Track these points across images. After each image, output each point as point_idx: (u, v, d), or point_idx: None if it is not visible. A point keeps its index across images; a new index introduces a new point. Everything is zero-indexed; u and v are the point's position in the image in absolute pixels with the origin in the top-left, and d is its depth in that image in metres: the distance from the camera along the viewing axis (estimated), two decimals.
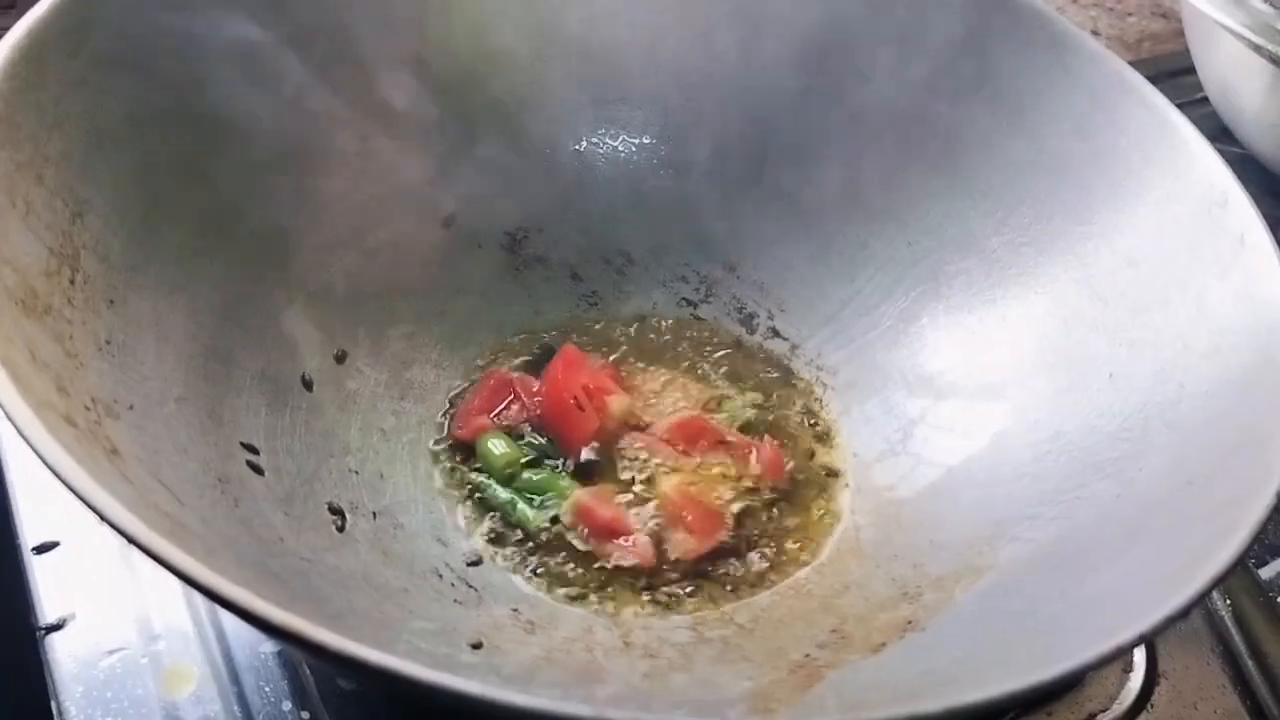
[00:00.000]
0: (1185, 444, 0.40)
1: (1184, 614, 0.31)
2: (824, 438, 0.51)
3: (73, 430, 0.33)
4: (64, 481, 0.29)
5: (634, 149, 0.58)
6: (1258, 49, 0.61)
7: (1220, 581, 0.32)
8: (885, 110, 0.55)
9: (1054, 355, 0.48)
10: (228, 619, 0.45)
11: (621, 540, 0.45)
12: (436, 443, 0.49)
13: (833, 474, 0.50)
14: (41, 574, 0.46)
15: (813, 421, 0.52)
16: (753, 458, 0.49)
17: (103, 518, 0.28)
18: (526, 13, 0.55)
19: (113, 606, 0.45)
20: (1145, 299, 0.46)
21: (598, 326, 0.55)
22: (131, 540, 0.28)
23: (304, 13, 0.49)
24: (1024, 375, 0.49)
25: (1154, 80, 0.49)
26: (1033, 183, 0.51)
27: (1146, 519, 0.38)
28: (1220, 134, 0.74)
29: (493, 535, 0.46)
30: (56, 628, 0.44)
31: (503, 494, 0.46)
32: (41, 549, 0.47)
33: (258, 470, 0.42)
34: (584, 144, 0.58)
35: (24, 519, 0.47)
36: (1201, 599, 0.32)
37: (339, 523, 0.43)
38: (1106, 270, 0.48)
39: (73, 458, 0.29)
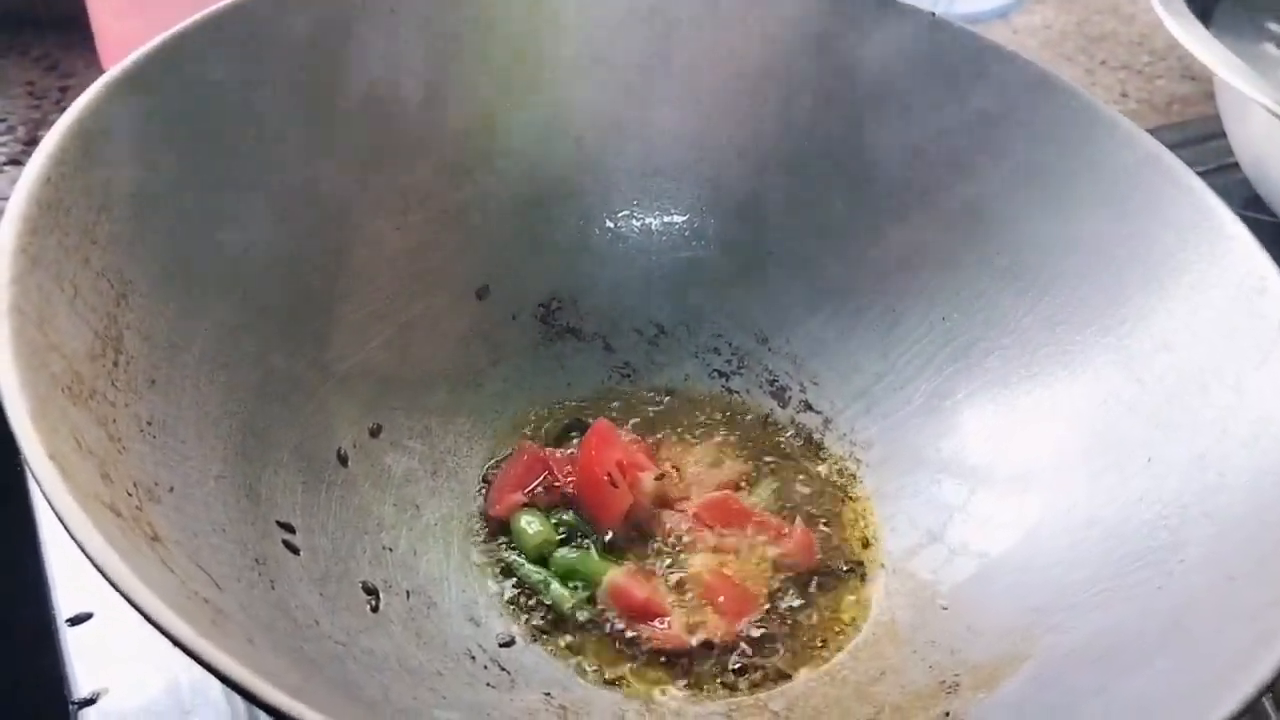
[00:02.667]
0: (1225, 536, 0.40)
1: None
2: (857, 517, 0.51)
3: (117, 521, 0.33)
4: (111, 582, 0.29)
5: (666, 221, 0.59)
6: None
7: (1265, 691, 0.31)
8: (914, 186, 0.55)
9: (1091, 437, 0.48)
10: None
11: (656, 622, 0.45)
12: (470, 519, 0.49)
13: (866, 553, 0.50)
14: (75, 647, 0.46)
15: (845, 500, 0.52)
16: (784, 539, 0.48)
17: (148, 619, 0.29)
18: (563, 90, 0.56)
19: (146, 680, 0.45)
20: (1182, 383, 0.46)
21: (629, 398, 0.55)
22: (177, 643, 0.28)
23: (343, 90, 0.50)
24: (1060, 456, 0.48)
25: (1184, 144, 0.50)
26: (1066, 262, 0.51)
27: (1188, 615, 0.38)
28: (1252, 202, 0.73)
29: (525, 615, 0.46)
30: (90, 702, 0.45)
31: (536, 573, 0.46)
32: (76, 621, 0.47)
33: (294, 549, 0.42)
34: (617, 215, 0.58)
35: (59, 590, 0.48)
36: (1248, 708, 0.31)
37: (373, 602, 0.43)
38: (1143, 353, 0.48)
39: (120, 557, 0.29)
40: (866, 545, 0.50)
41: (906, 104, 0.54)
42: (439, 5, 0.53)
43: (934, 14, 0.55)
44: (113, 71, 0.42)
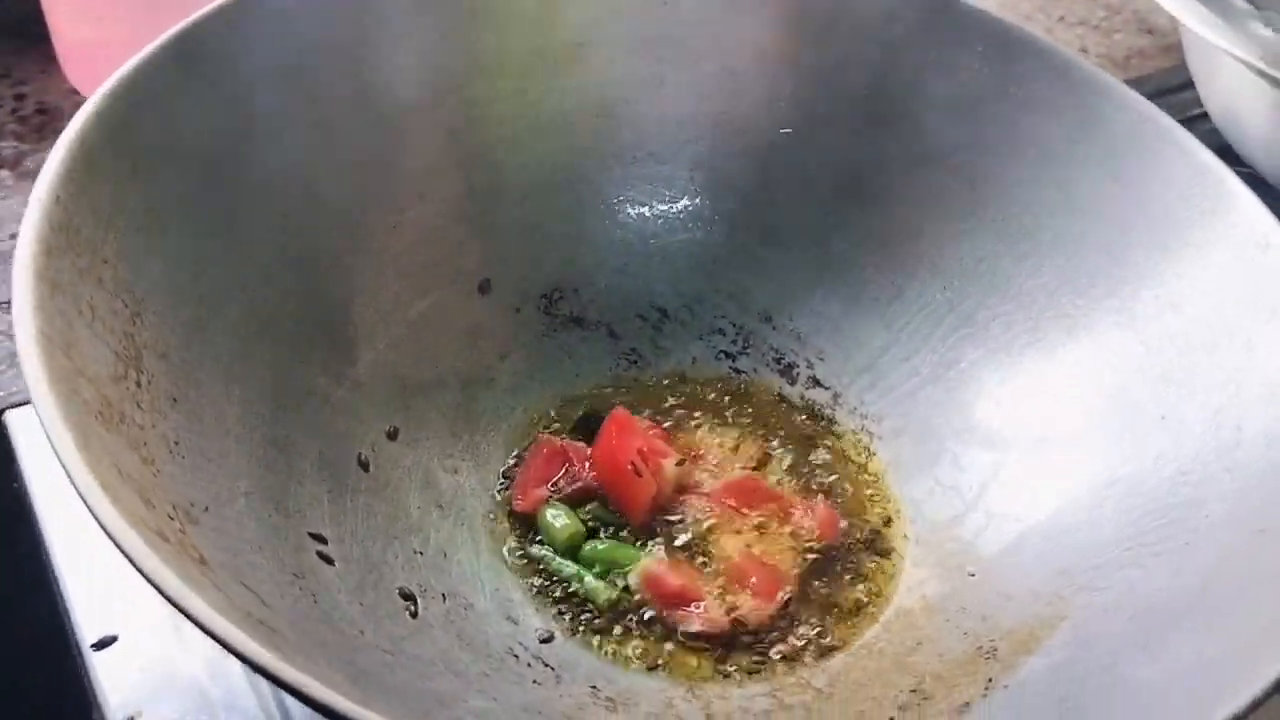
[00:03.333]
0: (1249, 490, 0.41)
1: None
2: (875, 489, 0.52)
3: (167, 546, 0.33)
4: (184, 611, 0.29)
5: (664, 204, 0.58)
6: (1263, 75, 0.62)
7: None
8: (912, 156, 0.56)
9: (1101, 398, 0.49)
10: (291, 703, 0.45)
11: (692, 607, 0.45)
12: (495, 517, 0.49)
13: (888, 526, 0.50)
14: (104, 671, 0.45)
15: (862, 473, 0.52)
16: (807, 516, 0.49)
17: (226, 646, 0.28)
18: (554, 76, 0.55)
19: (179, 698, 0.45)
20: (1191, 342, 0.47)
21: (638, 384, 0.55)
22: (256, 667, 0.28)
23: (337, 89, 0.49)
24: (1073, 419, 0.49)
25: (1149, 99, 0.50)
26: (1067, 226, 0.52)
27: (1221, 569, 0.39)
28: (1222, 153, 0.75)
29: (561, 610, 0.46)
30: None
31: (568, 567, 0.46)
32: (101, 645, 0.46)
33: (328, 560, 0.42)
34: (614, 202, 0.58)
35: (80, 616, 0.47)
36: None
37: (412, 609, 0.43)
38: (1149, 313, 0.49)
39: (189, 585, 0.29)
40: (888, 518, 0.51)
41: (902, 78, 0.55)
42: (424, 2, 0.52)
43: None
44: (112, 82, 0.41)
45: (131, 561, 0.29)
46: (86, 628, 0.46)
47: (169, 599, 0.29)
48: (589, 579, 0.46)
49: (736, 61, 0.56)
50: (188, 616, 0.28)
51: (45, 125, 0.71)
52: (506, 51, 0.55)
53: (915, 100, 0.55)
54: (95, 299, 0.38)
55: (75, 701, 0.46)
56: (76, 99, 0.70)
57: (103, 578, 0.47)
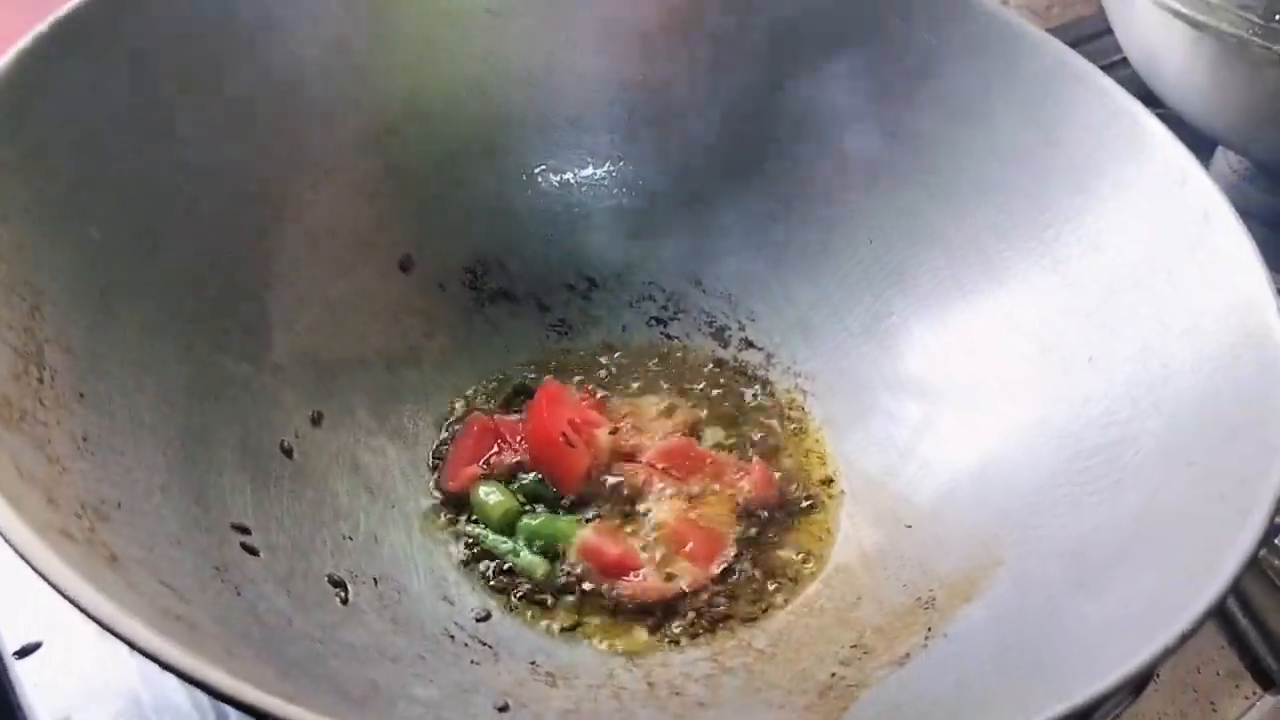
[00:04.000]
0: (1178, 426, 0.41)
1: (1218, 607, 0.32)
2: (811, 447, 0.51)
3: (73, 546, 0.31)
4: (90, 615, 0.27)
5: (586, 170, 0.58)
6: (1179, 15, 0.62)
7: (1246, 567, 0.32)
8: (830, 110, 0.55)
9: (1031, 342, 0.49)
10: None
11: (631, 576, 0.45)
12: (427, 497, 0.48)
13: (825, 483, 0.50)
14: (29, 679, 0.44)
15: (797, 431, 0.52)
16: (743, 478, 0.48)
17: (133, 646, 0.27)
18: (465, 44, 0.54)
19: (108, 701, 0.43)
20: (1115, 282, 0.47)
21: (570, 355, 0.55)
22: (164, 665, 0.27)
23: (240, 65, 0.48)
24: (1003, 365, 0.49)
25: (1070, 46, 0.50)
26: (987, 172, 0.52)
27: (1153, 504, 0.39)
28: (1144, 96, 0.75)
29: (498, 586, 0.45)
30: None
31: (503, 544, 0.46)
32: (24, 652, 0.45)
33: (253, 551, 0.41)
34: (535, 170, 0.57)
35: (1, 624, 0.45)
36: (1232, 588, 0.32)
37: (343, 595, 0.42)
38: (1073, 255, 0.48)
39: (94, 587, 0.27)
40: (825, 476, 0.50)
41: (815, 31, 0.54)
42: None
43: None
44: None
45: (28, 562, 0.28)
46: (8, 635, 0.45)
47: (70, 599, 0.28)
48: (524, 553, 0.45)
49: (649, 24, 0.55)
50: (90, 617, 0.27)
51: None
52: (414, 19, 0.53)
53: (830, 55, 0.54)
54: None
55: (3, 712, 0.45)
56: None
57: (23, 583, 0.45)
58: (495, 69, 0.55)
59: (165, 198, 0.45)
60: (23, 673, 0.44)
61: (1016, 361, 0.49)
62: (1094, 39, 0.81)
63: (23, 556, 0.28)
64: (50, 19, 0.41)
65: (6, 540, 0.29)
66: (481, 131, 0.55)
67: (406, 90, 0.53)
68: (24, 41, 0.40)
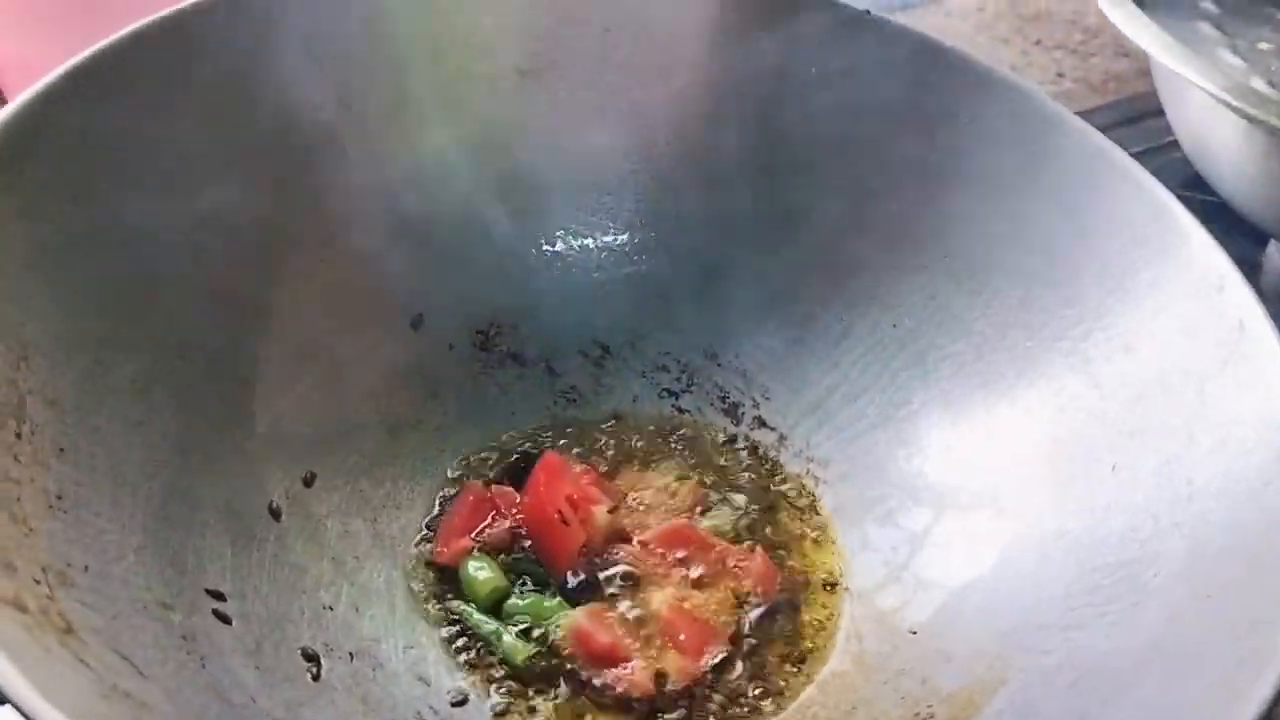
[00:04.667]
0: (1200, 551, 0.39)
1: None
2: (817, 538, 0.49)
3: (22, 619, 0.30)
4: (13, 702, 0.26)
5: (605, 236, 0.56)
6: (1231, 107, 0.60)
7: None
8: (860, 188, 0.54)
9: (1052, 444, 0.47)
10: None
11: (619, 669, 0.43)
12: (415, 569, 0.47)
13: (828, 579, 0.48)
14: None
15: (804, 520, 0.50)
16: (744, 569, 0.46)
17: None
18: (491, 103, 0.53)
19: None
20: (1144, 387, 0.45)
21: (577, 425, 0.53)
22: None
23: (255, 116, 0.47)
24: (1023, 466, 0.47)
25: (1122, 124, 0.48)
26: (1017, 262, 0.50)
27: (1167, 635, 0.37)
28: (1193, 181, 0.73)
29: (478, 670, 0.43)
30: None
31: (487, 624, 0.44)
32: None
33: (225, 619, 0.40)
34: (553, 233, 0.56)
35: None
36: None
37: (314, 670, 0.40)
38: (1101, 356, 0.46)
39: (21, 666, 0.26)
40: (829, 570, 0.48)
41: (850, 108, 0.52)
42: (353, 24, 0.50)
43: (869, 11, 0.53)
44: (2, 114, 0.39)
45: None
46: None
47: None
48: (507, 637, 0.43)
49: (681, 92, 0.54)
50: (16, 707, 0.26)
51: None
52: (442, 78, 0.52)
53: (863, 132, 0.53)
54: None
55: None
56: None
57: None
58: (520, 129, 0.54)
59: (167, 250, 0.44)
60: None
61: (1035, 463, 0.47)
62: (1147, 118, 0.79)
63: None
64: (61, 69, 0.41)
65: None
66: (502, 191, 0.54)
67: (429, 146, 0.53)
68: (30, 91, 0.40)
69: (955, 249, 0.51)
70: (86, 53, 0.43)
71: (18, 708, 0.26)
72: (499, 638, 0.43)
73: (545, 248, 0.56)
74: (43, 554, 0.34)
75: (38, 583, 0.33)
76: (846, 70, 0.52)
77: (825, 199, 0.54)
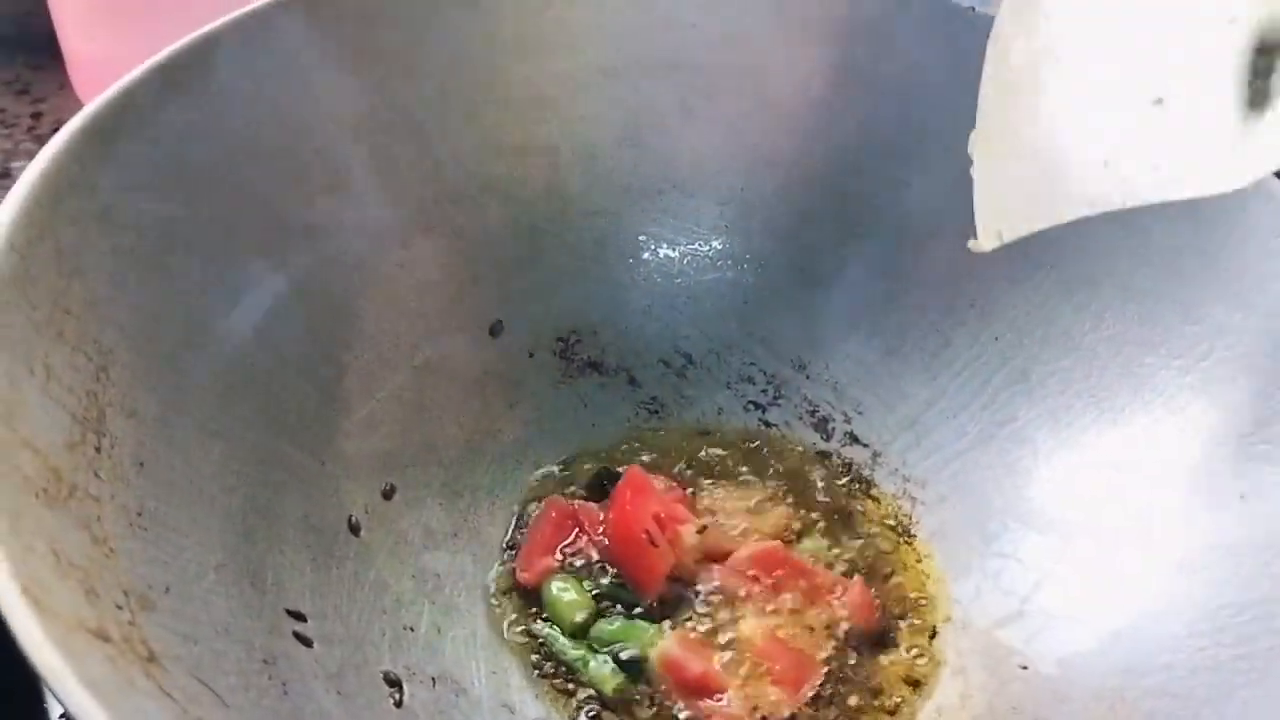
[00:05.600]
0: None
1: None
2: (918, 565, 0.47)
3: (106, 649, 0.29)
4: None
5: (690, 242, 0.54)
6: None
7: None
8: (960, 191, 0.51)
9: (1172, 470, 0.44)
10: None
11: (713, 699, 0.41)
12: (497, 588, 0.45)
13: (931, 608, 0.45)
14: None
15: (902, 545, 0.48)
16: (840, 597, 0.44)
17: None
18: (575, 104, 0.51)
19: None
20: (1272, 410, 0.42)
21: (659, 437, 0.51)
22: None
23: (338, 114, 0.46)
24: (1139, 493, 0.44)
25: None
26: (1133, 274, 0.47)
27: None
28: None
29: (565, 696, 0.42)
30: None
31: (572, 649, 0.42)
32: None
33: (306, 642, 0.38)
34: (637, 238, 0.54)
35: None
36: None
37: (397, 696, 0.39)
38: (1225, 376, 0.43)
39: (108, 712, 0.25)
40: (930, 599, 0.46)
41: (950, 108, 0.50)
42: (436, 24, 0.49)
43: (973, 8, 0.50)
44: (81, 117, 0.38)
45: (47, 683, 0.25)
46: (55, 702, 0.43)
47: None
48: (594, 663, 0.42)
49: (771, 92, 0.52)
50: None
51: None
52: (524, 77, 0.51)
53: (963, 131, 0.50)
54: (52, 356, 0.34)
55: None
56: None
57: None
58: (604, 131, 0.52)
59: (250, 254, 0.43)
60: None
61: (1156, 490, 0.44)
62: None
63: (43, 676, 0.26)
64: (140, 69, 0.39)
65: (24, 650, 0.26)
66: (585, 195, 0.53)
67: (510, 148, 0.51)
68: (109, 92, 0.39)
69: (1065, 259, 0.49)
70: (165, 52, 0.41)
71: None
72: (585, 664, 0.42)
73: (627, 252, 0.54)
74: (124, 576, 0.33)
75: (119, 608, 0.31)
76: (948, 71, 0.50)
77: (921, 202, 0.51)
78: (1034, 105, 0.37)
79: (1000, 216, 0.38)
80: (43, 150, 0.37)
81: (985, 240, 0.38)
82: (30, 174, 0.36)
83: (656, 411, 0.52)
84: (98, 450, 0.35)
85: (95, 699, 0.25)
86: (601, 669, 0.41)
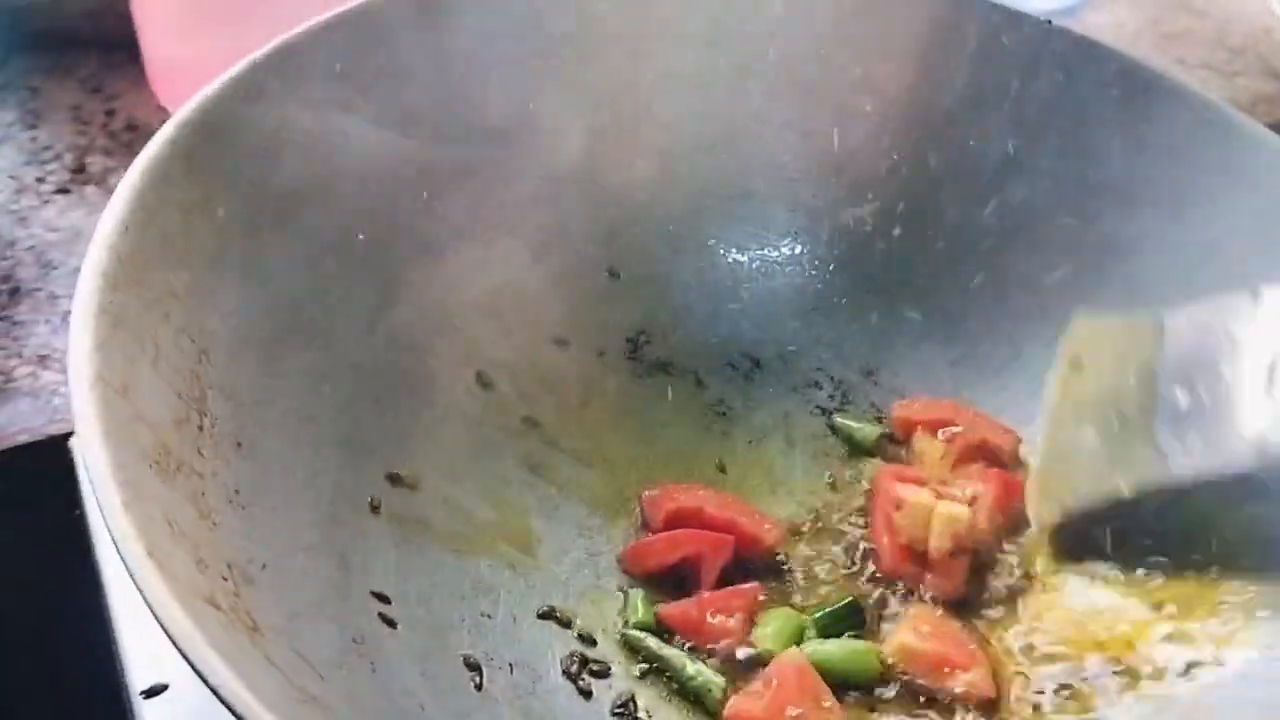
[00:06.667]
0: None
1: None
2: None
3: (218, 616, 0.30)
4: (228, 705, 0.26)
5: (761, 245, 0.55)
6: None
7: None
8: (1034, 202, 0.52)
9: None
10: None
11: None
12: (574, 577, 0.45)
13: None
14: None
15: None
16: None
17: None
18: (650, 107, 0.52)
19: None
20: None
21: (729, 440, 0.51)
22: None
23: (433, 115, 0.47)
24: None
25: None
26: (1200, 279, 0.47)
27: None
28: None
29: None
30: None
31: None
32: (151, 693, 0.44)
33: (391, 623, 0.39)
34: (707, 241, 0.55)
35: (131, 660, 0.44)
36: None
37: (478, 680, 0.40)
38: None
39: (238, 678, 0.26)
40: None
41: (1024, 120, 0.50)
42: (517, 24, 0.50)
43: (1050, 21, 0.51)
44: (186, 109, 0.39)
45: (171, 638, 0.26)
46: (137, 673, 0.44)
47: (210, 685, 0.26)
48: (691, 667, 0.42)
49: (847, 99, 0.52)
50: (228, 707, 0.25)
51: (134, 142, 0.69)
52: (595, 79, 0.52)
53: (1038, 144, 0.51)
54: (160, 335, 0.36)
55: None
56: (164, 116, 0.69)
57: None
58: (677, 135, 0.53)
59: (340, 247, 0.44)
60: (146, 712, 0.43)
61: None
62: None
63: (169, 633, 0.27)
64: (242, 63, 0.41)
65: (154, 615, 0.27)
66: (656, 197, 0.53)
67: (582, 151, 0.52)
68: (223, 78, 0.40)
69: (1134, 273, 0.49)
70: (268, 46, 0.43)
71: (233, 711, 0.26)
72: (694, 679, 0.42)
73: (697, 255, 0.55)
74: (226, 549, 0.34)
75: (225, 579, 0.32)
76: (1025, 84, 0.50)
77: (994, 214, 0.52)
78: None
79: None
80: (156, 135, 0.38)
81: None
82: (140, 161, 0.37)
83: (724, 413, 0.53)
84: (200, 429, 0.36)
85: (223, 661, 0.26)
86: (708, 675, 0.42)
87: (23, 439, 0.52)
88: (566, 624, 0.43)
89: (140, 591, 0.27)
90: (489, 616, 0.42)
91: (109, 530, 0.28)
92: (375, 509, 0.42)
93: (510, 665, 0.41)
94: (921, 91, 0.52)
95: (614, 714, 0.41)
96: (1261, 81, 0.93)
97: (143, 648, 0.45)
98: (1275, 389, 0.40)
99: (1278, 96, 0.91)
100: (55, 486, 0.49)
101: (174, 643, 0.27)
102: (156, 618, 0.27)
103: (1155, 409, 0.42)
